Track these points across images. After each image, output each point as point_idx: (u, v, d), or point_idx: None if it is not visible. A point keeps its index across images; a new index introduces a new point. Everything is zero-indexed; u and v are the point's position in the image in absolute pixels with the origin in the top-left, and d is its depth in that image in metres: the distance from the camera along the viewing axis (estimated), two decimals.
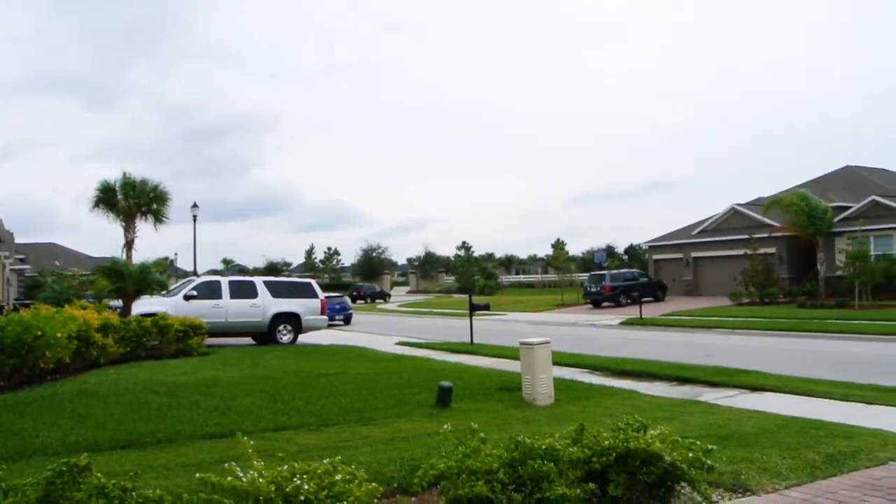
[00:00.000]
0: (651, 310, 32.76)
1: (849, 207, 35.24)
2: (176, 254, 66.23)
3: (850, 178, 41.96)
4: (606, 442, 5.54)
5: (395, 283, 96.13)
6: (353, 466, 4.72)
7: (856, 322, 23.49)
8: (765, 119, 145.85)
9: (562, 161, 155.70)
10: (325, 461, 4.61)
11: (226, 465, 4.29)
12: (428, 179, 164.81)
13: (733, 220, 40.60)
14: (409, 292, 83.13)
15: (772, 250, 36.74)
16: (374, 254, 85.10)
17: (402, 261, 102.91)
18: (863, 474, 6.40)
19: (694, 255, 42.17)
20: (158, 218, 25.49)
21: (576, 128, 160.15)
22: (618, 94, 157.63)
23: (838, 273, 31.57)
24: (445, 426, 5.50)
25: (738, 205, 40.82)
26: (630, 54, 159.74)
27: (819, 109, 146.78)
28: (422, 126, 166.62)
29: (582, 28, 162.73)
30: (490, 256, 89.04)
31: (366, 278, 78.70)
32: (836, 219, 33.73)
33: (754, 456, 6.80)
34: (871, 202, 34.47)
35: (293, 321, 20.99)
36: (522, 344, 10.73)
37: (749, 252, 35.37)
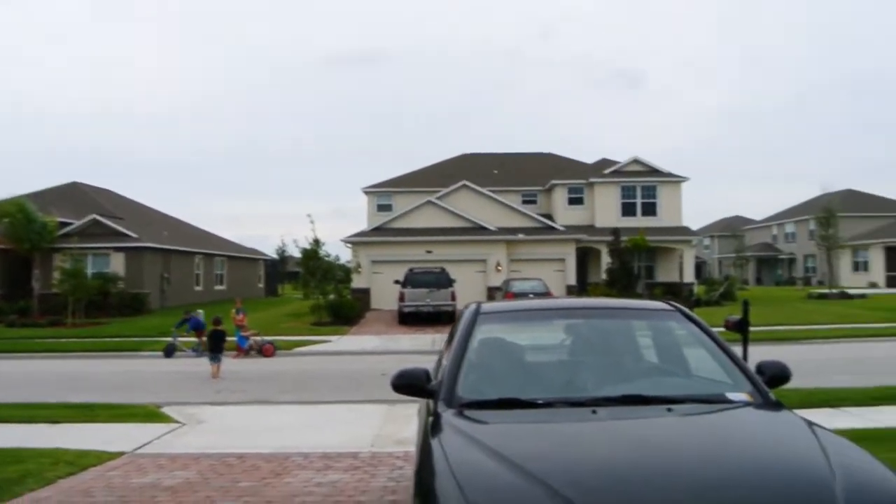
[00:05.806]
0: None
1: (72, 224, 35.39)
2: None
3: (76, 195, 42.24)
4: None
5: None
6: None
7: (66, 340, 23.64)
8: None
9: None
10: None
11: None
12: None
13: None
14: None
15: None
16: None
17: None
18: (27, 498, 6.26)
19: None
20: None
21: None
22: None
23: (55, 290, 31.27)
24: None
25: None
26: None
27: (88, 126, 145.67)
28: None
29: None
30: None
31: None
32: (59, 233, 33.55)
33: None
34: (92, 220, 35.35)
35: None
36: None
37: None
